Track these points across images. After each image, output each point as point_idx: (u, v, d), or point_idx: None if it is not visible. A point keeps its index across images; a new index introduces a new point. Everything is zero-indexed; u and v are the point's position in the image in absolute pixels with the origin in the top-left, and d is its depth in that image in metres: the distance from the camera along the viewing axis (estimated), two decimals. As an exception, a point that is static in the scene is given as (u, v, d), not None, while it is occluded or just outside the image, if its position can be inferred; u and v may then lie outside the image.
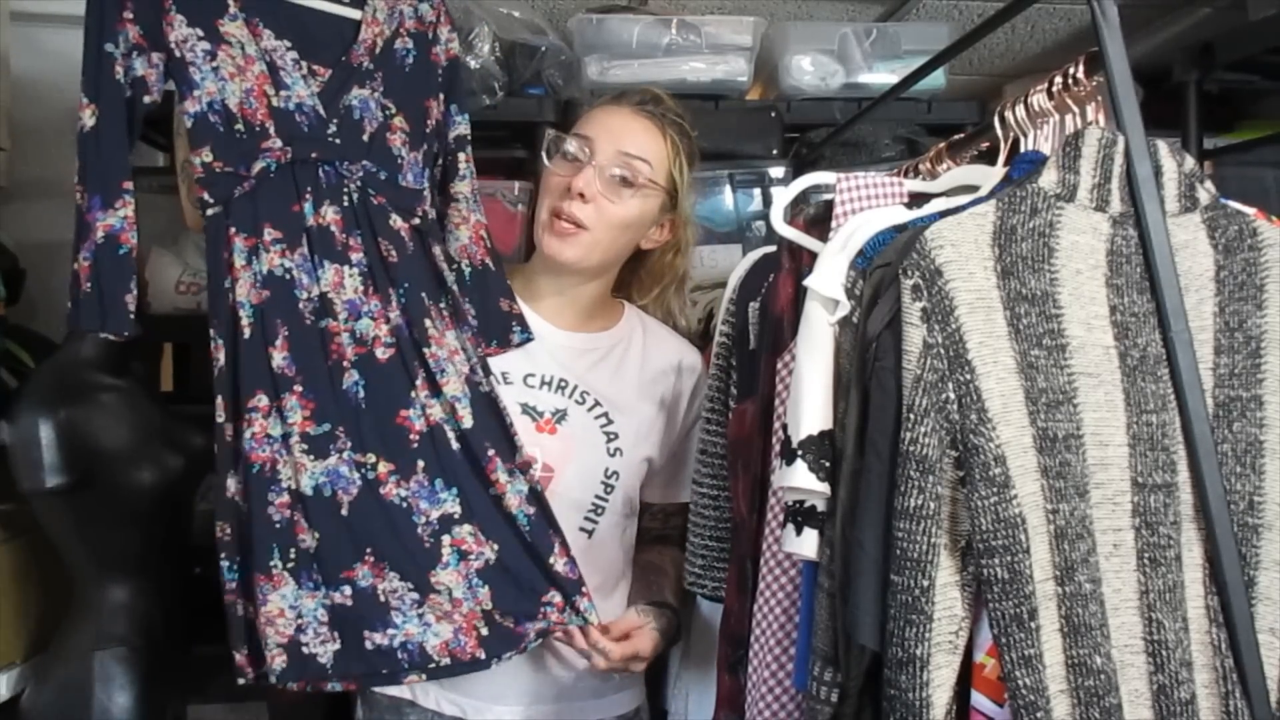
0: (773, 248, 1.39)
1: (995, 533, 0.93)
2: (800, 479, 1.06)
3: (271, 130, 1.29)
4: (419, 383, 1.30)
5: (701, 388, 1.52)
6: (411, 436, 1.29)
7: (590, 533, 1.42)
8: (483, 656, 1.29)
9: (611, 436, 1.43)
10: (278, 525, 1.25)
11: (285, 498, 1.26)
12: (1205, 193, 1.04)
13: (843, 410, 1.06)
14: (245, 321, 1.26)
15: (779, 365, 1.24)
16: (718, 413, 1.40)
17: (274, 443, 1.26)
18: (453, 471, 1.30)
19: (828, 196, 1.27)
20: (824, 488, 1.06)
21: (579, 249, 1.41)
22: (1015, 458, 0.94)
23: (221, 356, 1.27)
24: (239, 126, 1.28)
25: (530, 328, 1.45)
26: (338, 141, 1.33)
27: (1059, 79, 1.21)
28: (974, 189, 1.22)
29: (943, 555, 0.95)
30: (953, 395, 0.95)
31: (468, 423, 1.31)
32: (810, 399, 1.07)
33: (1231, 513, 0.99)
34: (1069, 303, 0.98)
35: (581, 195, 1.38)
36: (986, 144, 1.44)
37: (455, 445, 1.30)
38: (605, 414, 1.43)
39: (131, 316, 1.26)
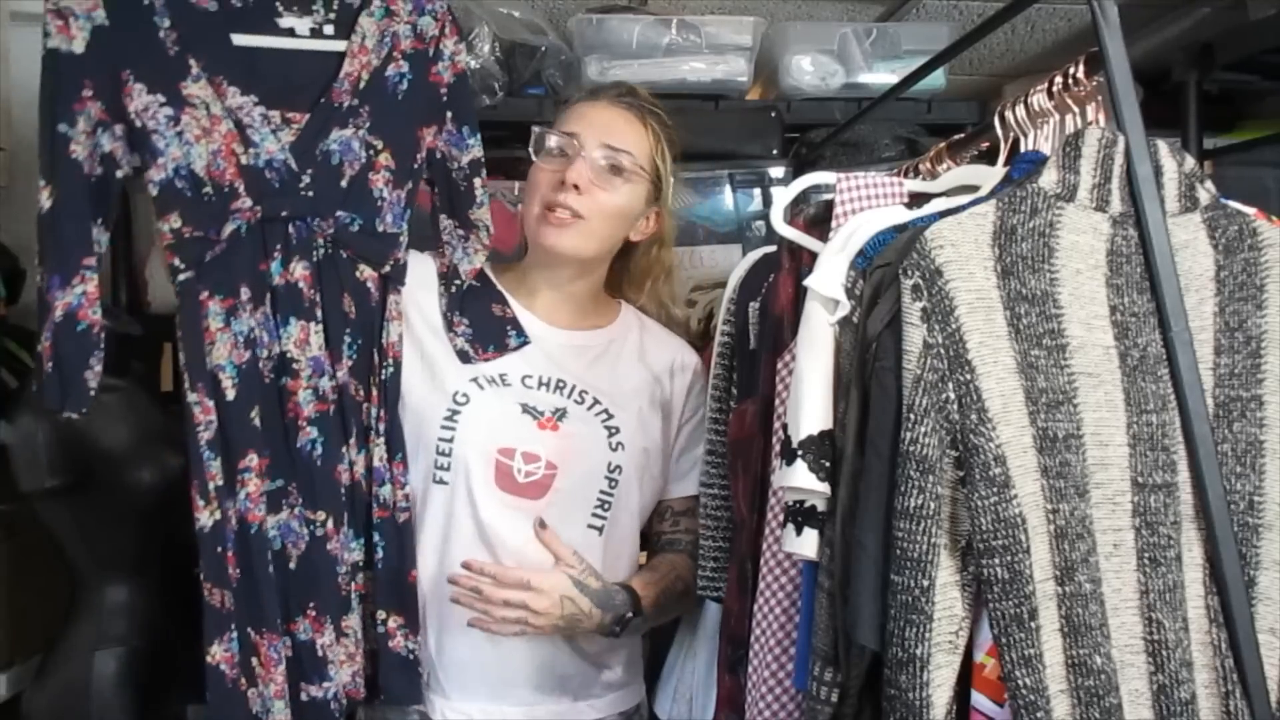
0: (773, 248, 1.39)
1: (995, 533, 0.93)
2: (800, 479, 1.06)
3: (241, 189, 1.26)
4: (351, 440, 1.32)
5: (697, 387, 1.53)
6: (342, 490, 1.31)
7: (600, 529, 1.42)
8: (364, 695, 1.34)
9: (613, 431, 1.43)
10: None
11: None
12: (1205, 193, 1.04)
13: (843, 410, 1.06)
14: (229, 384, 1.26)
15: (779, 365, 1.24)
16: (724, 413, 1.40)
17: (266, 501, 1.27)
18: (362, 523, 1.33)
19: (828, 196, 1.27)
20: (824, 488, 1.06)
21: (576, 237, 1.42)
22: (1015, 458, 0.94)
23: (213, 418, 1.25)
24: (207, 190, 1.26)
25: (526, 331, 1.45)
26: (310, 195, 1.30)
27: (1059, 79, 1.21)
28: (974, 189, 1.22)
29: (943, 555, 0.95)
30: (953, 395, 0.95)
31: (386, 489, 1.33)
32: (810, 399, 1.07)
33: (1231, 513, 0.99)
34: (1069, 303, 0.98)
35: (576, 187, 1.39)
36: (986, 144, 1.44)
37: (367, 499, 1.33)
38: (605, 410, 1.44)
39: (91, 393, 1.24)
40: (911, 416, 0.95)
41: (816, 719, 1.06)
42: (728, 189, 2.08)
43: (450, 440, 1.38)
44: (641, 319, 1.58)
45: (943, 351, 0.95)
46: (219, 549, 1.24)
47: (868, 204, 1.23)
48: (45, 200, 1.25)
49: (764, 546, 1.23)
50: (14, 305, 1.79)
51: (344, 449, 1.31)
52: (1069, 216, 1.00)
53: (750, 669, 1.23)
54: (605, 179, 1.42)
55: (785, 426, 1.11)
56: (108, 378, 1.57)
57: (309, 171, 1.30)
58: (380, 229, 1.34)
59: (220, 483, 1.25)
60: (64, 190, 1.25)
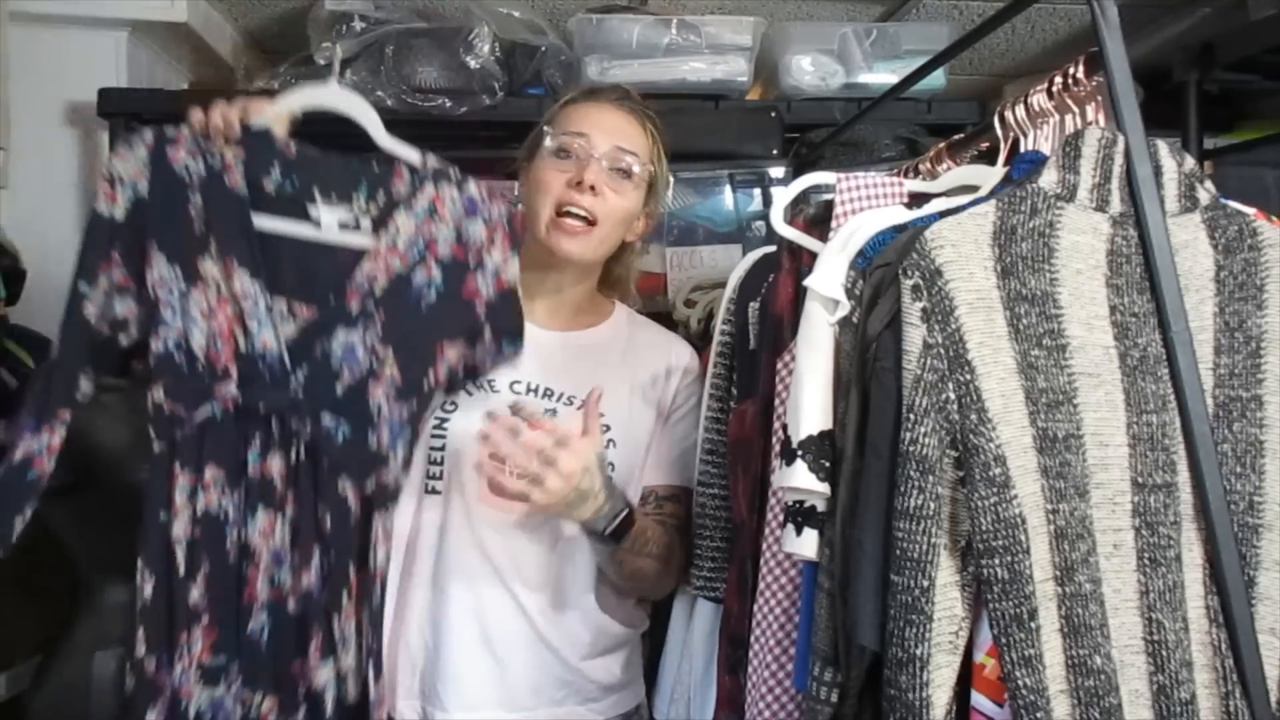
0: (773, 248, 1.39)
1: (995, 533, 0.93)
2: (800, 479, 1.06)
3: (232, 374, 1.24)
4: (313, 647, 1.26)
5: (690, 380, 1.52)
6: (300, 688, 1.26)
7: None
8: None
9: (604, 429, 1.42)
10: None
11: None
12: (1205, 193, 1.04)
13: (843, 410, 1.06)
14: (180, 558, 1.23)
15: (779, 365, 1.24)
16: (724, 413, 1.40)
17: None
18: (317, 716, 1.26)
19: (828, 196, 1.27)
20: (824, 488, 1.06)
21: (589, 242, 1.42)
22: (1015, 458, 0.94)
23: (149, 590, 1.22)
24: (200, 367, 1.24)
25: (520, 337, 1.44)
26: (300, 394, 1.24)
27: (1059, 79, 1.21)
28: (974, 189, 1.22)
29: (943, 555, 0.95)
30: (953, 395, 0.95)
31: (352, 696, 1.27)
32: (810, 399, 1.07)
33: (1231, 513, 0.99)
34: (1069, 303, 0.98)
35: (592, 188, 1.39)
36: (986, 144, 1.44)
37: (329, 712, 1.27)
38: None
39: (14, 538, 1.22)
40: (911, 416, 0.95)
41: (816, 719, 1.06)
42: (728, 189, 2.09)
43: (441, 449, 1.38)
44: (633, 316, 1.58)
45: (943, 351, 0.95)
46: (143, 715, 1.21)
47: (868, 204, 1.23)
48: (54, 351, 1.25)
49: (764, 547, 1.23)
50: (14, 305, 1.79)
51: (306, 653, 1.26)
52: (1069, 216, 1.00)
53: (750, 669, 1.23)
54: (616, 182, 1.42)
55: (785, 427, 1.11)
56: (108, 378, 1.59)
57: (303, 369, 1.25)
58: (372, 444, 1.26)
59: (156, 654, 1.22)
60: (67, 345, 1.24)
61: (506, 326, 1.30)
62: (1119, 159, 1.01)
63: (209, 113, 1.26)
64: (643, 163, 1.44)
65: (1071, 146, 1.02)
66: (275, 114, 1.30)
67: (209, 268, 1.24)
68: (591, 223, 1.41)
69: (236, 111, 1.27)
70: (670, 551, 1.42)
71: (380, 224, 1.27)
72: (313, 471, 1.25)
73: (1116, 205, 1.01)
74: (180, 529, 1.23)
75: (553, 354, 1.46)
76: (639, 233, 1.52)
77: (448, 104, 2.03)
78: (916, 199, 1.25)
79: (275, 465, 1.24)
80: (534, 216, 1.44)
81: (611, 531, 1.33)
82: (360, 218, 1.28)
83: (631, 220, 1.47)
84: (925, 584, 0.94)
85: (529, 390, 1.43)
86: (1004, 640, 0.92)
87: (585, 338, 1.50)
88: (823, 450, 1.06)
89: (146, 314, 1.25)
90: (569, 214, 1.40)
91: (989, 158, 1.41)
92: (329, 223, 1.27)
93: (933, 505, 0.94)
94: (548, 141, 1.44)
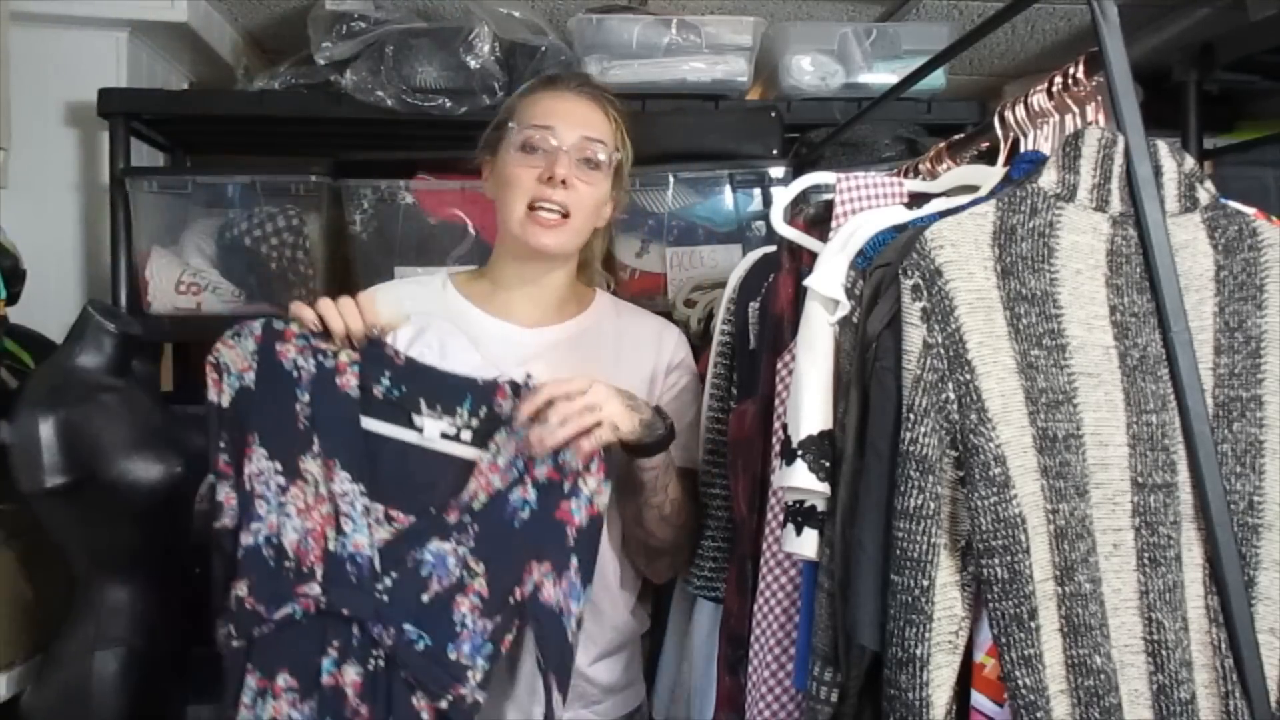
0: (773, 248, 1.39)
1: (995, 533, 0.93)
2: (800, 479, 1.06)
3: (319, 575, 1.24)
4: None
5: (679, 358, 1.51)
6: None
7: None
8: None
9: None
10: None
11: None
12: (1205, 193, 1.04)
13: (843, 410, 1.06)
14: None
15: (779, 365, 1.24)
16: (724, 413, 1.40)
17: None
18: None
19: (828, 196, 1.27)
20: (824, 488, 1.06)
21: (564, 235, 1.42)
22: (1015, 458, 0.94)
23: None
24: (288, 564, 1.24)
25: (498, 340, 1.44)
26: (386, 600, 1.23)
27: (1059, 79, 1.21)
28: (974, 189, 1.22)
29: (943, 555, 0.95)
30: (953, 395, 0.95)
31: None
32: (810, 399, 1.07)
33: (1231, 513, 0.99)
34: (1069, 303, 0.98)
35: (564, 182, 1.39)
36: (986, 144, 1.44)
37: None
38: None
39: None
40: (911, 416, 0.95)
41: (816, 719, 1.06)
42: (728, 189, 2.08)
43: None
44: (616, 302, 1.58)
45: (942, 351, 0.95)
46: None
47: (868, 204, 1.23)
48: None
49: (764, 546, 1.23)
50: (14, 305, 1.78)
51: None
52: (1069, 216, 1.00)
53: (750, 669, 1.23)
54: (586, 173, 1.42)
55: (785, 426, 1.11)
56: (108, 378, 1.58)
57: (391, 575, 1.24)
58: (451, 656, 1.23)
59: None
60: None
61: (588, 561, 1.28)
62: (1119, 159, 1.01)
63: (325, 312, 1.27)
64: (609, 149, 1.44)
65: (1071, 146, 1.02)
66: (389, 322, 1.32)
67: (310, 465, 1.26)
68: (565, 215, 1.41)
69: (357, 318, 1.28)
70: (686, 500, 1.41)
71: (482, 439, 1.29)
72: (388, 685, 1.23)
73: (1116, 205, 1.01)
74: None
75: (534, 350, 1.45)
76: (609, 217, 1.52)
77: (448, 104, 2.03)
78: (916, 199, 1.25)
79: (350, 674, 1.23)
80: (506, 212, 1.43)
81: (668, 434, 1.32)
82: (462, 430, 1.29)
83: (601, 207, 1.48)
84: (925, 584, 0.94)
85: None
86: (1004, 640, 0.93)
87: (568, 330, 1.49)
88: (823, 450, 1.06)
89: (236, 505, 1.25)
90: (542, 209, 1.40)
91: (989, 158, 1.40)
92: (432, 432, 1.29)
93: (933, 505, 0.94)
94: (513, 135, 1.43)
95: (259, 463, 1.25)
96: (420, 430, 1.29)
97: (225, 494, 1.26)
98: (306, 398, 1.27)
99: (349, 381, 1.28)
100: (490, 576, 1.25)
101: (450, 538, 1.25)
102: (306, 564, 1.24)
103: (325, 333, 1.28)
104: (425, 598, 1.24)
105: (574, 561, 1.26)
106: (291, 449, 1.26)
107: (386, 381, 1.29)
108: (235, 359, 1.27)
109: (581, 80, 1.51)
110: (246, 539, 1.24)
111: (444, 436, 1.29)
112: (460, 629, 1.24)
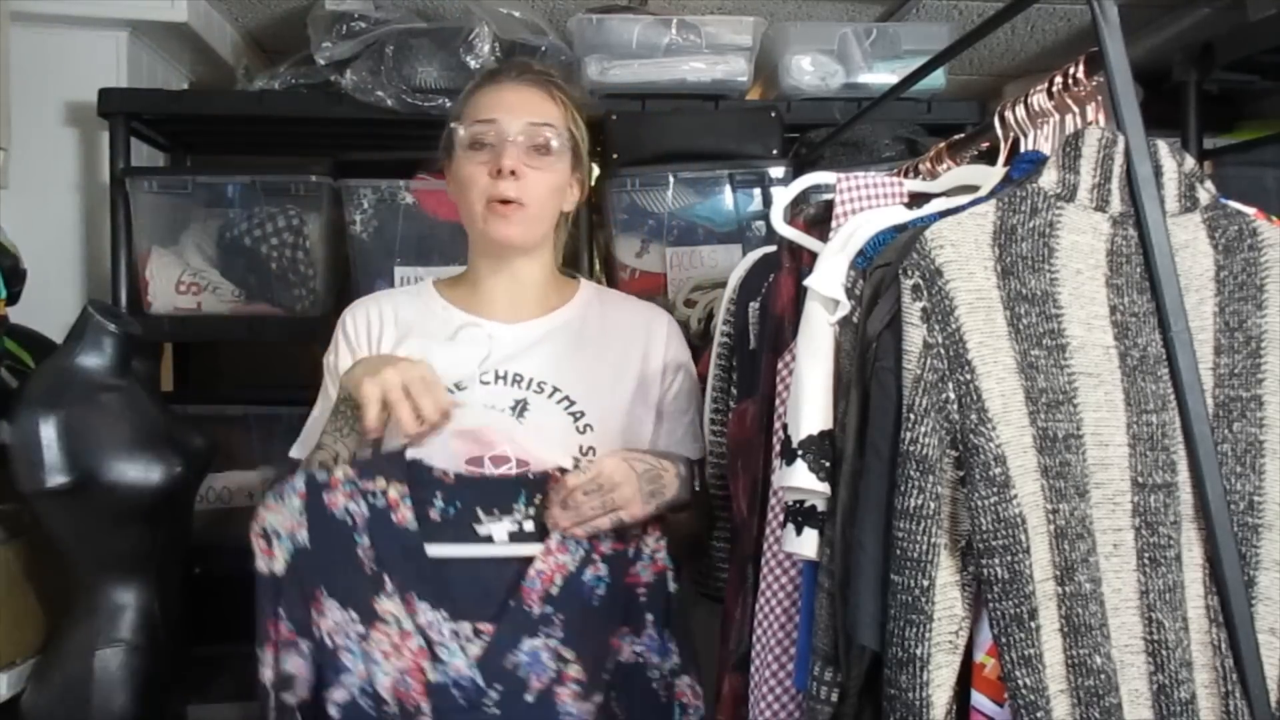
0: (773, 248, 1.39)
1: (995, 533, 0.93)
2: (800, 479, 1.06)
3: (426, 709, 1.24)
4: None
5: (673, 343, 1.51)
6: None
7: None
8: None
9: (577, 415, 1.42)
10: None
11: None
12: (1205, 193, 1.04)
13: (843, 410, 1.06)
14: None
15: (779, 365, 1.24)
16: (724, 413, 1.40)
17: None
18: None
19: (828, 196, 1.27)
20: (824, 488, 1.06)
21: (523, 224, 1.41)
22: (1015, 458, 0.94)
23: None
24: (388, 708, 1.24)
25: (483, 339, 1.45)
26: (498, 713, 1.25)
27: (1059, 79, 1.21)
28: (974, 189, 1.22)
29: (943, 555, 0.95)
30: (953, 395, 0.95)
31: None
32: (810, 399, 1.07)
33: (1231, 513, 0.99)
34: (1069, 302, 0.98)
35: (513, 173, 1.39)
36: (986, 144, 1.44)
37: None
38: (566, 396, 1.42)
39: None
40: (911, 416, 0.95)
41: (816, 719, 1.06)
42: (728, 189, 2.08)
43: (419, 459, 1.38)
44: (601, 292, 1.57)
45: (943, 351, 0.95)
46: None
47: (868, 204, 1.23)
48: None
49: (764, 546, 1.23)
50: (14, 305, 1.79)
51: None
52: (1069, 216, 1.00)
53: (751, 669, 1.23)
54: (536, 159, 1.41)
55: (785, 426, 1.11)
56: (108, 378, 1.59)
57: (496, 687, 1.26)
58: None
59: None
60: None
61: (663, 612, 1.32)
62: (1119, 159, 1.01)
63: (398, 410, 1.26)
64: (559, 131, 1.43)
65: (1071, 146, 1.02)
66: (448, 402, 1.32)
67: (387, 606, 1.25)
68: (523, 205, 1.40)
69: (431, 406, 1.28)
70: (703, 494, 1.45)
71: (544, 528, 1.30)
72: None
73: (1116, 205, 1.01)
74: None
75: (518, 344, 1.45)
76: (574, 200, 1.51)
77: (448, 104, 2.02)
78: (916, 199, 1.25)
79: None
80: (468, 212, 1.43)
81: (697, 482, 1.36)
82: (524, 522, 1.31)
83: (561, 191, 1.46)
84: (925, 584, 0.94)
85: (498, 378, 1.42)
86: (1004, 640, 0.93)
87: (550, 322, 1.49)
88: (823, 450, 1.06)
89: (312, 667, 1.25)
90: (498, 202, 1.40)
91: (989, 158, 1.40)
92: (500, 536, 1.30)
93: (933, 505, 0.94)
94: (461, 135, 1.43)
95: (334, 615, 1.25)
96: (490, 539, 1.30)
97: (294, 663, 1.24)
98: (367, 541, 1.27)
99: (405, 515, 1.28)
100: (583, 661, 1.28)
101: (539, 634, 1.28)
102: (410, 703, 1.24)
103: (368, 468, 1.29)
104: (529, 698, 1.26)
105: (648, 618, 1.31)
106: (365, 595, 1.25)
107: (440, 503, 1.30)
108: (283, 521, 1.25)
109: (521, 68, 1.49)
110: (339, 694, 1.24)
111: (512, 538, 1.31)
112: (565, 718, 1.27)
